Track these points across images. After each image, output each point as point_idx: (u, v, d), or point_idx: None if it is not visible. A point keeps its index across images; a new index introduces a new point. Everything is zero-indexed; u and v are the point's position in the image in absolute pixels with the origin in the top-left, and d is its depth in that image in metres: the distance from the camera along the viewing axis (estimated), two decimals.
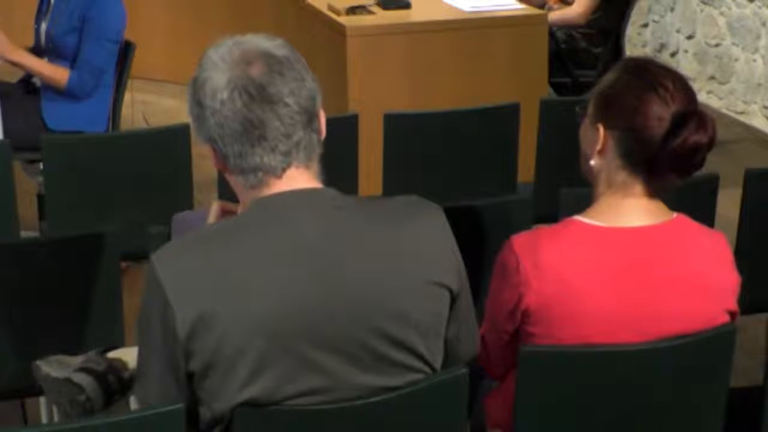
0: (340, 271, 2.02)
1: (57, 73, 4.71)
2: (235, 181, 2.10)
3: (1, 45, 4.69)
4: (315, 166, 2.10)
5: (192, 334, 1.97)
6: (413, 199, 2.16)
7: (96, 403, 2.37)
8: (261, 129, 2.02)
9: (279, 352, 1.98)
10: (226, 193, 2.29)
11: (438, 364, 2.14)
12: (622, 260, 2.30)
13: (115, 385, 2.40)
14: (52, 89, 4.73)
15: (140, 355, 2.09)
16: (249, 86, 2.02)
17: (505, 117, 4.03)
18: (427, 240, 2.10)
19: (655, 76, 2.31)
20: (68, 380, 2.39)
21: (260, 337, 1.97)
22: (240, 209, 2.17)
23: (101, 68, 4.75)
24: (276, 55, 2.05)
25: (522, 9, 5.42)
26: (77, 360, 2.44)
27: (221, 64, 2.04)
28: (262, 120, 2.02)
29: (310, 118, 2.06)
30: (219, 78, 2.03)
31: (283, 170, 2.05)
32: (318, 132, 2.09)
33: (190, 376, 2.02)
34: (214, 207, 2.27)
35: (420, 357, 2.09)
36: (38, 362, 2.46)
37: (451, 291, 2.12)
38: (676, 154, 2.27)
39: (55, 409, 3.09)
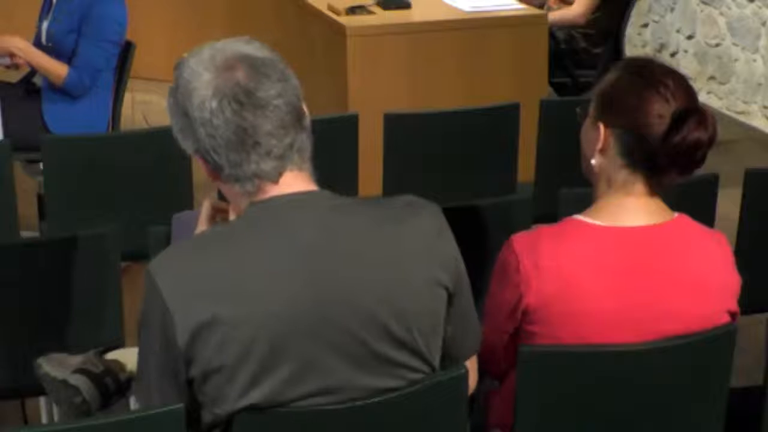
0: (337, 272, 2.00)
1: (57, 68, 4.72)
2: (229, 189, 2.08)
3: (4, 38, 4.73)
4: (308, 167, 2.08)
5: (192, 341, 1.95)
6: (410, 199, 2.14)
7: (93, 404, 2.37)
8: (254, 135, 2.00)
9: (280, 356, 1.97)
10: None
11: (437, 363, 2.13)
12: (622, 260, 2.30)
13: (112, 387, 2.39)
14: (54, 91, 4.73)
15: (140, 360, 2.08)
16: (237, 93, 1.99)
17: (505, 117, 4.03)
18: (424, 239, 2.09)
19: (655, 75, 2.31)
20: (65, 382, 2.38)
21: (261, 342, 1.96)
22: (231, 214, 2.15)
23: (99, 69, 4.76)
24: (258, 57, 2.03)
25: (522, 9, 5.42)
26: (76, 360, 2.44)
27: (204, 72, 2.02)
28: (254, 125, 2.00)
29: (299, 116, 2.05)
30: (204, 87, 2.01)
31: (279, 175, 2.04)
32: (307, 129, 2.07)
33: (190, 382, 2.00)
34: (206, 206, 2.25)
35: (421, 357, 2.09)
36: (39, 360, 2.45)
37: (447, 290, 2.11)
38: (677, 151, 2.27)
39: (55, 409, 3.10)
